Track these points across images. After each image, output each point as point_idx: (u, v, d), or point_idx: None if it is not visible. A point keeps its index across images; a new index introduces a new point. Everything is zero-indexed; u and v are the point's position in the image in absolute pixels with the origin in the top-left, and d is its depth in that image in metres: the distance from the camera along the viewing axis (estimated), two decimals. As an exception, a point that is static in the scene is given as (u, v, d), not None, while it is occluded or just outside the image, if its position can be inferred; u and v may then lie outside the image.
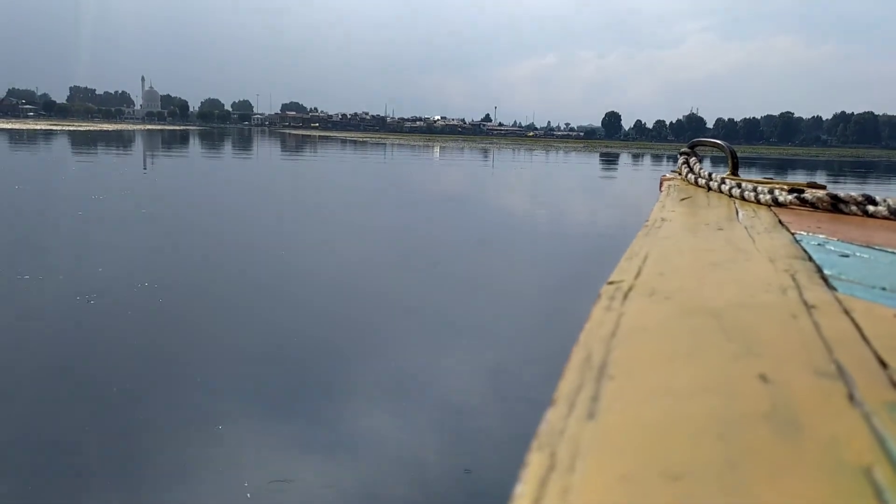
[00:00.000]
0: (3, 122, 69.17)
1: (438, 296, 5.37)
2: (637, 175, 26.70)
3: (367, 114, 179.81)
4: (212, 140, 52.08)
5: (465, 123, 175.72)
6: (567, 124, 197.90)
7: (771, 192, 1.07)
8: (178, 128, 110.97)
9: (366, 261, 6.72)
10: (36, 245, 6.79)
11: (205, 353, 3.85)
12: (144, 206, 10.03)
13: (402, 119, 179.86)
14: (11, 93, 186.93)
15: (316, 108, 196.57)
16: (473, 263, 6.79)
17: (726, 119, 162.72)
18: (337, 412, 3.10)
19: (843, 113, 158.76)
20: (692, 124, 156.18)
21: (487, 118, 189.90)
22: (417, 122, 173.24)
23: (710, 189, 1.28)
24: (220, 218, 9.52)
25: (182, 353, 3.81)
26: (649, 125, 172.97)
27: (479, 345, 4.17)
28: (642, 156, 48.22)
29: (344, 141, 57.11)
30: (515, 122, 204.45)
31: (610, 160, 39.15)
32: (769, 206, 1.05)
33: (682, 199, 1.19)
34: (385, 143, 54.04)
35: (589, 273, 5.98)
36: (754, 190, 1.10)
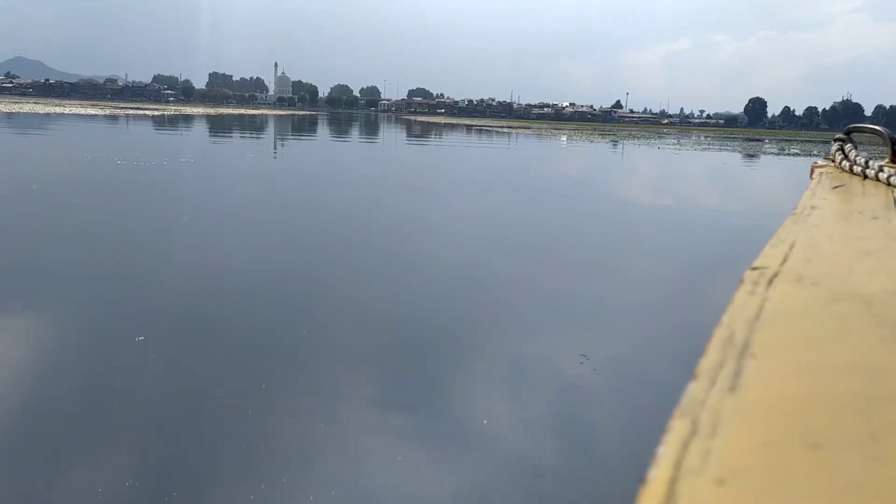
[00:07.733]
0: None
1: (570, 281, 5.41)
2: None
3: (493, 100, 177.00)
4: (339, 125, 52.45)
5: (594, 110, 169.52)
6: (702, 111, 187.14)
7: None
8: (307, 112, 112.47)
9: (497, 248, 6.64)
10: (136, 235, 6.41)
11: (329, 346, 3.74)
12: (260, 194, 10.09)
13: (530, 105, 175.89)
14: (156, 79, 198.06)
15: (442, 94, 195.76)
16: (605, 250, 6.87)
17: (887, 106, 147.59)
18: (467, 399, 3.07)
19: None
20: (847, 111, 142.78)
21: (618, 104, 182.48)
22: (545, 109, 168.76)
23: (865, 177, 1.19)
24: (347, 201, 9.46)
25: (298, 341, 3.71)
26: (798, 112, 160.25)
27: (607, 330, 4.20)
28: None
29: (469, 128, 54.51)
30: (646, 108, 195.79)
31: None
32: None
33: (835, 187, 1.12)
34: (511, 132, 50.41)
35: (726, 261, 6.21)
36: None
